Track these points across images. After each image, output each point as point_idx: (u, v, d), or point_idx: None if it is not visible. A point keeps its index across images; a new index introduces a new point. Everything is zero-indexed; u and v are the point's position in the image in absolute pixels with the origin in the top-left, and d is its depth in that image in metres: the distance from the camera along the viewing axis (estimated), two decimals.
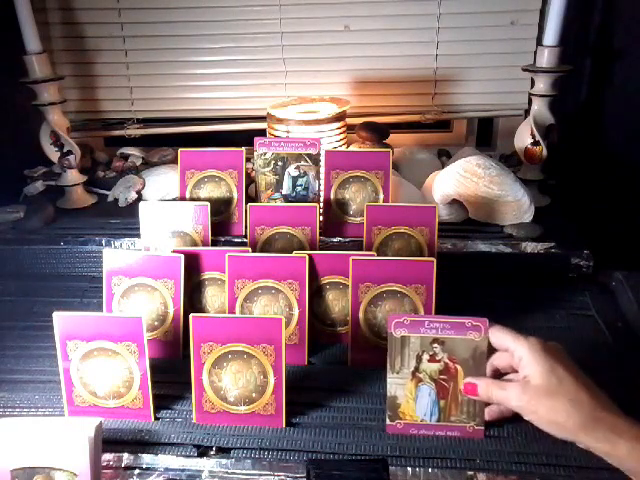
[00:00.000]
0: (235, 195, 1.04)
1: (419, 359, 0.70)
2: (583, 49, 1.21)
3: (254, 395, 0.72)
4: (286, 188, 1.04)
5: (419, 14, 1.24)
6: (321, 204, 1.03)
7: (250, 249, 0.88)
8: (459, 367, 0.69)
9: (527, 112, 1.24)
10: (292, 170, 1.03)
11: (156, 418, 0.75)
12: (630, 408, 0.74)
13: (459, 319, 0.69)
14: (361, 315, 0.83)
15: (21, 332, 0.93)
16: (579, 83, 1.23)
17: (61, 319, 0.73)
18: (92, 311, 0.96)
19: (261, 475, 0.67)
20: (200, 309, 0.91)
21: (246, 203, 1.00)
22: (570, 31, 1.08)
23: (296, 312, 0.84)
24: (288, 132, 1.07)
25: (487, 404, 0.70)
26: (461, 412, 0.70)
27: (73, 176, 1.19)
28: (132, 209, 1.10)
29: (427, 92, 1.30)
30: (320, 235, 0.97)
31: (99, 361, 0.74)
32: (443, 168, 1.13)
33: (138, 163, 1.35)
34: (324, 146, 1.05)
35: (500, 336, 0.67)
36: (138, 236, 1.00)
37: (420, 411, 0.70)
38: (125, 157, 1.38)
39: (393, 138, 1.23)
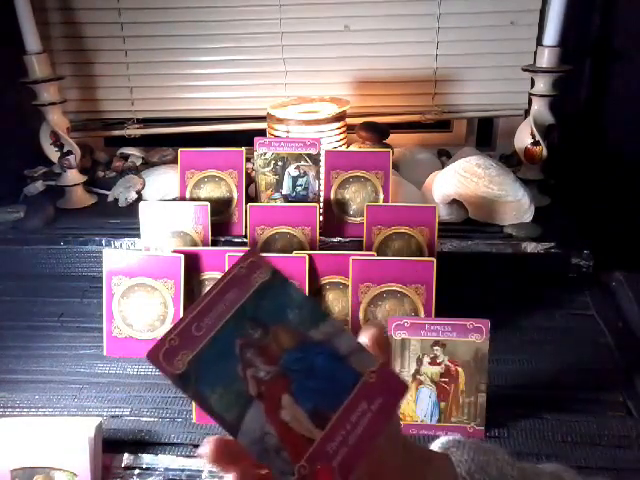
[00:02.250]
0: (235, 195, 1.04)
1: (419, 362, 0.70)
2: (583, 49, 1.21)
3: None
4: (286, 188, 1.04)
5: (419, 14, 1.24)
6: (321, 204, 1.03)
7: (250, 249, 0.88)
8: (460, 369, 0.69)
9: (527, 112, 1.24)
10: (292, 170, 1.03)
11: (156, 417, 0.75)
12: (630, 408, 0.74)
13: (460, 321, 0.69)
14: (361, 315, 0.83)
15: (21, 332, 0.93)
16: (579, 83, 1.23)
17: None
18: (92, 311, 0.96)
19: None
20: None
21: (246, 203, 1.00)
22: (570, 31, 1.08)
23: None
24: (288, 132, 1.06)
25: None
26: (462, 413, 0.70)
27: (73, 176, 1.19)
28: (132, 209, 1.10)
29: (427, 92, 1.30)
30: (320, 235, 0.97)
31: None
32: (443, 168, 1.13)
33: (138, 163, 1.35)
34: (324, 146, 1.05)
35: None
36: (138, 236, 1.00)
37: (420, 412, 0.70)
38: (125, 157, 1.38)
39: (393, 138, 1.23)
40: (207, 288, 0.90)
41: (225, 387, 0.32)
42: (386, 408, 0.33)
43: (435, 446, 0.42)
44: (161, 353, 0.31)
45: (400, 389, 0.33)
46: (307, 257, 0.84)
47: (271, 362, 0.33)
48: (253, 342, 0.33)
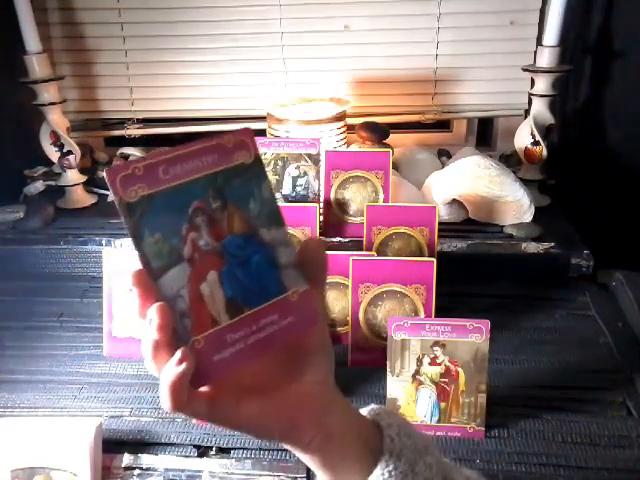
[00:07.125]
0: None
1: (419, 362, 0.70)
2: (583, 49, 1.21)
3: None
4: (286, 188, 1.04)
5: (419, 14, 1.24)
6: (321, 204, 1.03)
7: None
8: (460, 370, 0.69)
9: (527, 112, 1.24)
10: (292, 170, 1.03)
11: (156, 418, 0.75)
12: (630, 408, 0.74)
13: (460, 321, 0.69)
14: (361, 315, 0.83)
15: (21, 332, 0.93)
16: (579, 83, 1.23)
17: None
18: (92, 311, 0.96)
19: (261, 475, 0.67)
20: None
21: None
22: (570, 31, 1.08)
23: None
24: (288, 132, 1.07)
25: (488, 404, 0.70)
26: (462, 413, 0.70)
27: (73, 176, 1.19)
28: None
29: (427, 92, 1.30)
30: (320, 235, 0.97)
31: None
32: (443, 168, 1.13)
33: None
34: (324, 146, 1.05)
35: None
36: None
37: (420, 412, 0.71)
38: (125, 157, 1.38)
39: (393, 138, 1.23)
40: None
41: (164, 236, 0.31)
42: (293, 328, 0.34)
43: (363, 411, 0.40)
44: (121, 175, 0.31)
45: (312, 319, 0.34)
46: None
47: (215, 237, 0.33)
48: (208, 211, 0.33)
